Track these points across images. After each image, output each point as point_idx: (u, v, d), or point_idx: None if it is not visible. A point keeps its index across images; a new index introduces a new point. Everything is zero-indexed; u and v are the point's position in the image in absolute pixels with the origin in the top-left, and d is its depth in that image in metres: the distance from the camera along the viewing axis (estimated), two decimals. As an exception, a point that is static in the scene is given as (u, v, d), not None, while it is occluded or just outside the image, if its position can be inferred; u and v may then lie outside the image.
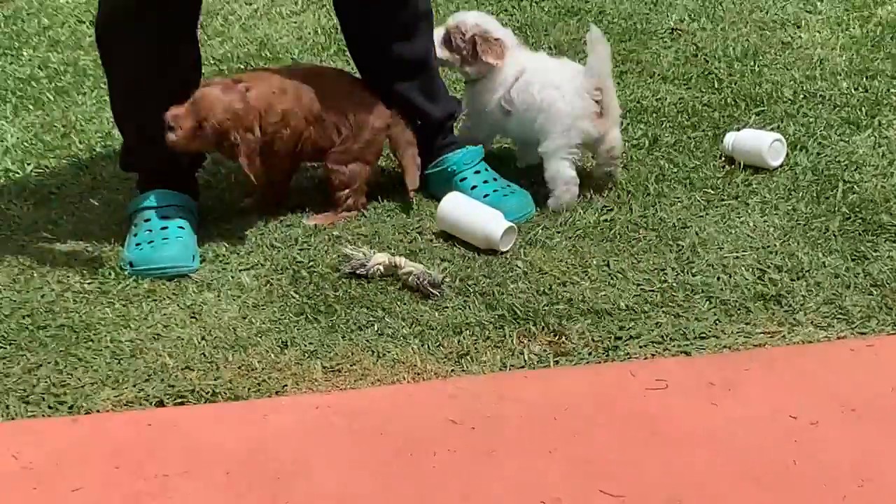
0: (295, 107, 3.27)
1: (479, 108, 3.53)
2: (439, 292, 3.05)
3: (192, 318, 3.02)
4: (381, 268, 3.12)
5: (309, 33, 4.66)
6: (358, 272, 3.14)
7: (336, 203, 3.44)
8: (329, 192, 3.41)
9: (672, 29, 4.54)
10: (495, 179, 3.44)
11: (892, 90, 3.98)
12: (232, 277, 3.17)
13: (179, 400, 2.76)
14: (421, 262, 3.17)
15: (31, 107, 4.15)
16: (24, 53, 4.60)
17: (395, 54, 3.40)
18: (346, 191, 3.42)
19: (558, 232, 3.32)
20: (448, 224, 3.29)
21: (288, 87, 3.28)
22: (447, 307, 3.01)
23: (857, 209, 3.33)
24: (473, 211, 3.27)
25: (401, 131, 3.48)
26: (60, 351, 2.90)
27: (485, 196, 3.37)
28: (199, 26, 3.38)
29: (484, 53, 3.44)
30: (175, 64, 3.24)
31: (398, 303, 3.04)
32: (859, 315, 2.93)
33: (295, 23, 4.75)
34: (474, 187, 3.41)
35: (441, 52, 3.48)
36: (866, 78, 4.06)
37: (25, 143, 3.90)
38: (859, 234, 3.23)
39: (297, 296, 3.08)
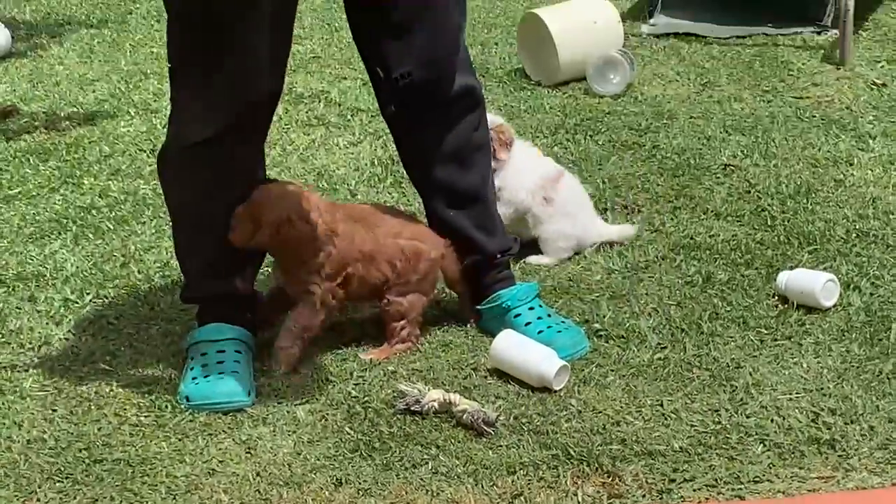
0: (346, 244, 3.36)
1: None
2: (493, 430, 3.06)
3: (247, 452, 3.05)
4: (436, 404, 3.14)
5: (366, 164, 4.73)
6: (412, 409, 3.15)
7: (390, 334, 3.45)
8: (384, 323, 3.44)
9: (725, 165, 4.56)
10: (549, 316, 3.47)
11: (944, 231, 3.97)
12: (287, 412, 3.19)
13: (237, 538, 2.76)
14: (475, 399, 3.18)
15: (90, 236, 4.22)
16: (85, 182, 4.68)
17: (445, 182, 3.45)
18: (402, 321, 3.44)
19: (612, 370, 3.33)
20: (501, 362, 3.31)
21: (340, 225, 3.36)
22: (501, 446, 3.03)
23: (911, 352, 3.31)
24: (526, 349, 3.30)
25: (452, 262, 3.49)
26: (116, 486, 2.92)
27: (539, 332, 3.40)
28: (264, 158, 3.41)
29: None
30: (241, 195, 3.29)
31: (452, 440, 3.05)
32: (914, 461, 2.91)
33: (352, 153, 4.82)
34: (528, 324, 3.43)
35: None
36: (919, 217, 4.07)
37: (85, 273, 3.96)
38: (913, 378, 3.21)
39: (351, 432, 3.10)
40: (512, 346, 3.32)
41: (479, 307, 3.53)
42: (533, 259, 3.95)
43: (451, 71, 3.36)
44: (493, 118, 3.85)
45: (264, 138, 3.39)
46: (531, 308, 3.49)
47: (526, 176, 4.00)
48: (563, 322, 3.47)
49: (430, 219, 3.61)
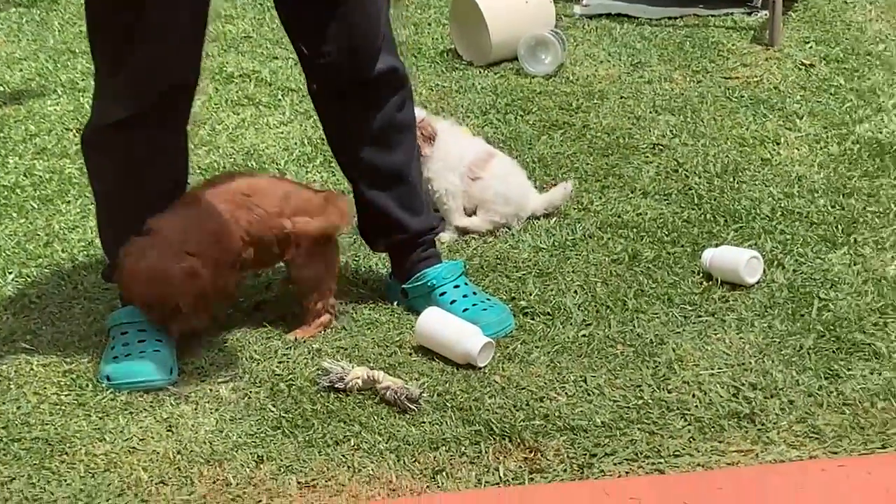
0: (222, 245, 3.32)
1: None
2: (416, 407, 3.06)
3: (168, 430, 3.03)
4: (360, 381, 3.14)
5: (295, 144, 4.71)
6: (336, 386, 3.15)
7: (307, 311, 3.43)
8: (299, 302, 3.41)
9: (654, 144, 4.58)
10: (475, 294, 3.47)
11: (868, 208, 4.01)
12: (210, 390, 3.18)
13: (153, 515, 2.74)
14: (400, 376, 3.17)
15: (14, 215, 4.19)
16: (10, 161, 4.64)
17: (369, 162, 3.45)
18: (314, 294, 3.41)
19: (537, 347, 3.33)
20: (426, 339, 3.31)
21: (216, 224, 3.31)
22: (424, 422, 3.03)
23: (832, 327, 3.35)
24: (451, 326, 3.29)
25: (341, 216, 3.50)
26: (34, 464, 2.90)
27: (464, 310, 3.40)
28: (188, 137, 3.39)
29: None
30: (160, 177, 3.26)
31: (375, 417, 3.05)
32: (832, 434, 2.94)
33: (282, 133, 4.79)
34: (453, 301, 3.43)
35: None
36: (843, 196, 4.11)
37: (7, 252, 3.93)
38: (833, 353, 3.25)
39: (274, 409, 3.09)
40: (437, 324, 3.32)
41: (404, 286, 3.52)
42: (465, 221, 3.96)
43: (374, 50, 3.36)
44: (415, 112, 3.87)
45: (185, 123, 3.37)
46: (456, 286, 3.49)
47: (455, 161, 3.98)
48: (488, 300, 3.47)
49: (356, 199, 3.58)
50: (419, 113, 3.83)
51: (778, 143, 4.59)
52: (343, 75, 3.34)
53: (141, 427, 3.06)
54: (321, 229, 3.39)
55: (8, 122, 5.03)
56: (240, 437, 3.00)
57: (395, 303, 3.57)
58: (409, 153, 3.55)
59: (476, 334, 3.26)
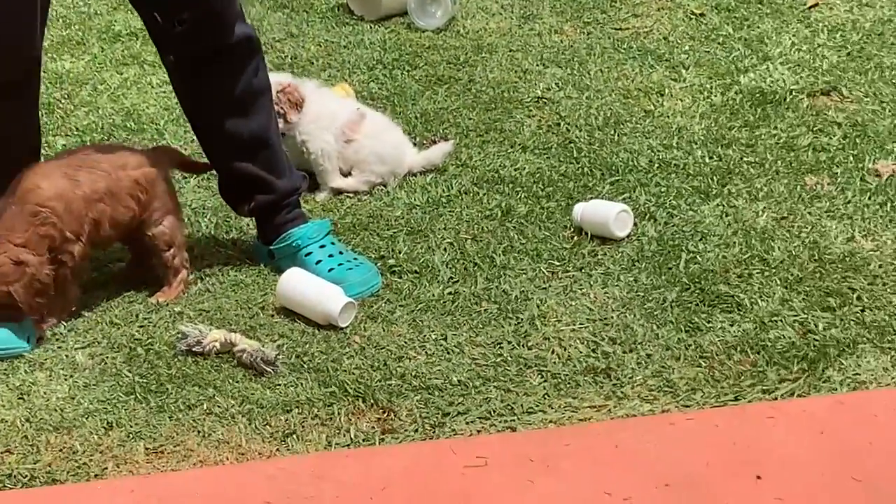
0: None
1: None
2: (273, 369, 3.04)
3: (19, 398, 3.00)
4: (218, 345, 3.11)
5: (176, 103, 4.62)
6: (194, 349, 3.12)
7: (166, 268, 3.43)
8: (157, 260, 3.45)
9: (538, 98, 4.56)
10: (341, 253, 3.45)
11: (745, 158, 4.02)
12: (66, 356, 3.15)
13: (-5, 485, 2.71)
14: (259, 338, 3.15)
15: None
16: None
17: (230, 131, 3.40)
18: (172, 249, 3.42)
19: (401, 306, 3.32)
20: (288, 300, 3.28)
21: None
22: (279, 385, 3.01)
23: (697, 279, 3.35)
24: (312, 287, 3.27)
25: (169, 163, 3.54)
26: None
27: (329, 270, 3.38)
28: (38, 112, 3.36)
29: None
30: (6, 152, 3.21)
31: (230, 381, 3.03)
32: (685, 388, 2.95)
33: (164, 93, 4.73)
34: (319, 262, 3.41)
35: None
36: (721, 146, 4.11)
37: None
38: (695, 305, 3.26)
39: (129, 375, 3.07)
40: (298, 285, 3.30)
41: (271, 248, 3.49)
42: (341, 182, 3.95)
43: (233, 15, 3.31)
44: (280, 77, 3.82)
45: (33, 99, 3.34)
46: (322, 246, 3.47)
47: (327, 121, 4.00)
48: (355, 259, 3.46)
49: (217, 167, 3.59)
50: (285, 78, 3.79)
51: (662, 95, 4.58)
52: (202, 42, 3.29)
53: (-8, 396, 3.00)
54: (168, 175, 3.42)
55: None
56: (91, 404, 2.97)
57: (263, 265, 3.51)
58: (268, 116, 3.52)
59: (337, 294, 3.24)
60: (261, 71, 3.48)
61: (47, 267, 3.14)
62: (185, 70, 3.42)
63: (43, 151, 4.03)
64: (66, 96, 4.74)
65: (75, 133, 4.42)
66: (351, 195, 3.94)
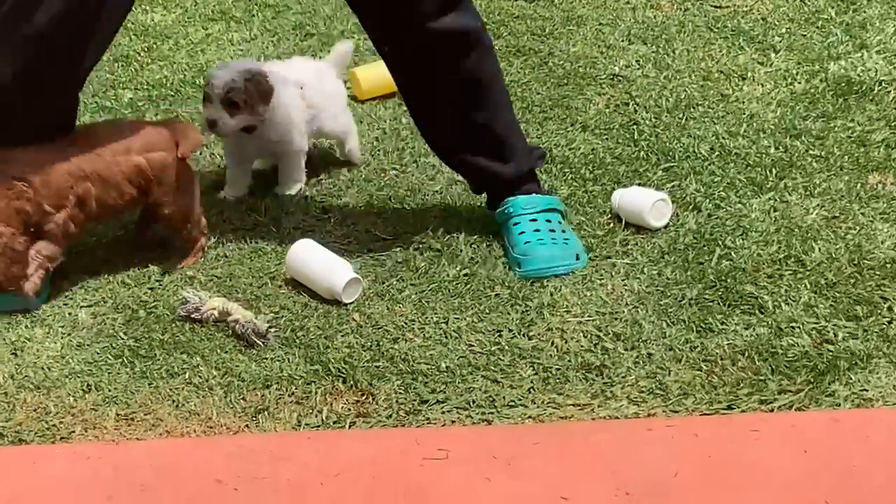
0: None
1: None
2: (263, 342, 3.00)
3: (12, 354, 3.02)
4: (216, 313, 3.09)
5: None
6: (193, 316, 3.09)
7: (184, 241, 3.38)
8: (175, 235, 3.40)
9: (613, 75, 4.42)
10: (551, 231, 3.40)
11: (811, 151, 3.84)
12: (69, 314, 3.15)
13: (-37, 441, 2.72)
14: (260, 309, 3.12)
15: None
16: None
17: (452, 124, 3.44)
18: (189, 224, 3.37)
19: (412, 284, 3.25)
20: (295, 272, 3.25)
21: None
22: (266, 358, 2.97)
23: (724, 277, 3.21)
24: (320, 260, 3.23)
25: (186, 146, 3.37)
26: None
27: (525, 243, 3.35)
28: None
29: None
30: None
31: (220, 350, 3.00)
32: (677, 392, 2.83)
33: (241, 50, 4.72)
34: (522, 233, 3.38)
35: None
36: (790, 137, 3.94)
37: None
38: (714, 305, 3.13)
39: (124, 337, 3.06)
40: (306, 257, 3.26)
41: (495, 213, 3.49)
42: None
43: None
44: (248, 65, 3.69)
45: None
46: (533, 220, 3.41)
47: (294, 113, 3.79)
48: (563, 240, 3.40)
49: (440, 157, 3.60)
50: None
51: (743, 79, 4.41)
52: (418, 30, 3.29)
53: (-14, 350, 3.02)
54: (179, 159, 3.30)
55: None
56: (78, 365, 2.97)
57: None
58: (495, 106, 3.48)
59: (343, 269, 3.19)
60: (484, 58, 3.41)
61: (21, 238, 3.08)
62: (401, 58, 3.38)
63: (108, 104, 4.08)
64: (145, 49, 4.75)
65: (144, 87, 4.43)
66: (395, 166, 3.84)
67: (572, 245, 3.35)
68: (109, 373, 2.94)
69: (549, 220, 3.42)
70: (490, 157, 3.46)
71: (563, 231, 3.40)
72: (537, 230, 3.38)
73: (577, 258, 3.34)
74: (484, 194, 3.58)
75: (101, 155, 3.21)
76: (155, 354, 2.99)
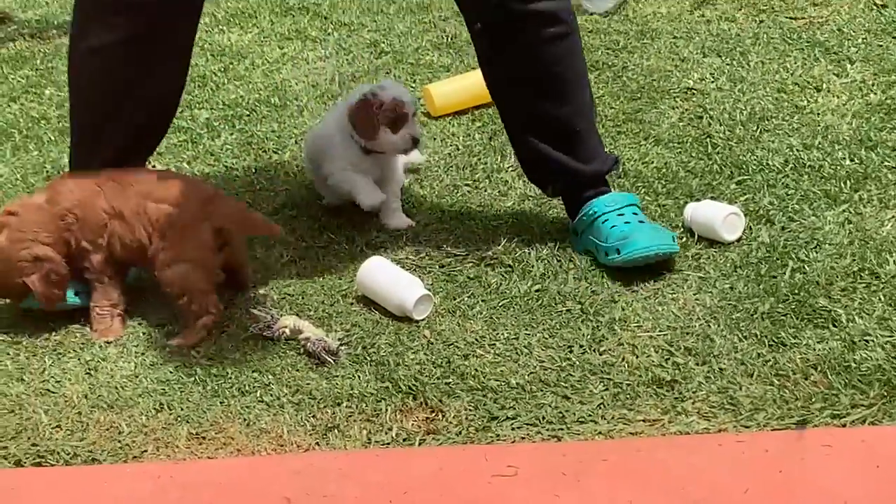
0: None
1: None
2: (334, 360, 3.02)
3: (86, 373, 3.06)
4: (287, 331, 3.11)
5: (325, 80, 4.67)
6: (265, 334, 3.12)
7: (183, 314, 3.23)
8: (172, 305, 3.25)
9: (688, 89, 4.41)
10: (641, 223, 3.40)
11: (886, 162, 3.80)
12: (143, 333, 3.18)
13: (38, 460, 2.77)
14: (332, 327, 3.14)
15: (31, 147, 4.22)
16: (47, 92, 4.69)
17: (534, 114, 3.42)
18: (185, 298, 3.19)
19: (483, 300, 3.25)
20: (366, 289, 3.26)
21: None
22: (337, 376, 2.99)
23: (798, 291, 3.18)
24: (390, 277, 3.24)
25: (234, 246, 3.30)
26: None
27: (620, 230, 3.36)
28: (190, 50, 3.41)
29: None
30: (144, 86, 3.29)
31: (291, 369, 3.02)
32: (749, 407, 2.81)
33: (316, 69, 4.76)
34: (614, 227, 3.38)
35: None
36: (865, 148, 3.89)
37: (9, 184, 3.96)
38: (787, 319, 3.10)
39: (197, 356, 3.09)
40: (377, 274, 3.28)
41: (574, 223, 3.50)
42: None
43: None
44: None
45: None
46: (621, 214, 3.42)
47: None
48: (651, 225, 3.40)
49: (518, 149, 3.58)
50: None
51: (818, 90, 4.37)
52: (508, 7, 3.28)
53: (62, 369, 3.08)
54: (189, 224, 3.20)
55: (60, 53, 5.09)
56: (151, 384, 3.01)
57: (573, 245, 3.52)
58: (580, 103, 3.48)
59: (414, 286, 3.20)
60: (572, 52, 3.41)
61: (64, 264, 3.21)
62: (488, 40, 3.38)
63: (185, 124, 4.12)
64: (222, 69, 4.80)
65: (220, 107, 4.48)
66: (470, 182, 3.85)
67: (665, 231, 3.37)
68: (182, 392, 2.97)
69: (635, 213, 3.44)
70: (570, 153, 3.48)
71: (651, 222, 3.40)
72: (627, 222, 3.39)
73: (674, 240, 3.32)
74: (556, 203, 3.54)
75: (125, 194, 3.21)
76: (227, 373, 3.01)
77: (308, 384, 2.96)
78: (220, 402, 2.92)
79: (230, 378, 3.00)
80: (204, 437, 2.82)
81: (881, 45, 4.66)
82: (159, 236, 3.17)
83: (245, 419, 2.86)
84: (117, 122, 3.25)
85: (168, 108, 3.37)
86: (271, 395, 2.93)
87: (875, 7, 5.00)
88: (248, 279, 3.37)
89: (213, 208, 3.20)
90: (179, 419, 2.88)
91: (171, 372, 3.04)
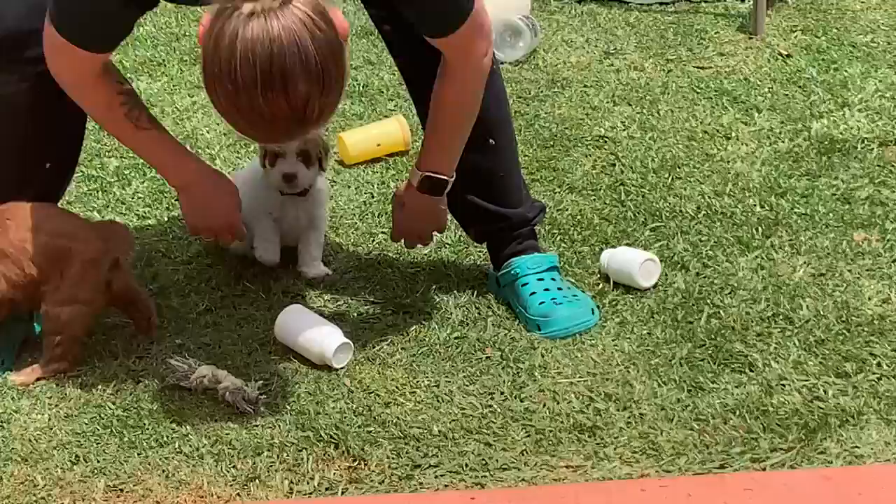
0: None
1: None
2: (253, 409, 2.99)
3: (0, 426, 2.97)
4: (205, 381, 3.07)
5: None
6: (182, 384, 3.07)
7: (45, 349, 3.15)
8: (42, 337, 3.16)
9: (599, 137, 4.44)
10: (559, 289, 3.39)
11: (796, 209, 3.85)
12: (56, 385, 3.12)
13: (-52, 517, 2.70)
14: (250, 376, 3.10)
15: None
16: None
17: (465, 163, 3.33)
18: (59, 336, 3.12)
19: (403, 348, 3.24)
20: (285, 337, 3.23)
21: None
22: (257, 425, 2.95)
23: (714, 336, 3.21)
24: (310, 325, 3.21)
25: (120, 271, 3.21)
26: None
27: (540, 303, 3.35)
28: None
29: None
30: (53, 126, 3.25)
31: (209, 419, 2.98)
32: (670, 451, 2.82)
33: (226, 119, 4.69)
34: (533, 294, 3.37)
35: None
36: (775, 195, 3.95)
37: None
38: (705, 364, 3.13)
39: (113, 407, 3.04)
40: (296, 322, 3.25)
41: (497, 275, 3.49)
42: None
43: None
44: None
45: None
46: (540, 279, 3.42)
47: None
48: (573, 296, 3.40)
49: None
50: None
51: (728, 138, 4.43)
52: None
53: (-26, 422, 3.00)
54: (89, 262, 3.15)
55: None
56: (66, 436, 2.95)
57: (492, 292, 3.51)
58: (504, 150, 3.48)
59: (333, 334, 3.18)
60: (493, 96, 3.34)
61: None
62: (412, 84, 3.39)
63: (95, 173, 4.07)
64: (132, 118, 4.72)
65: (130, 155, 4.42)
66: (384, 230, 3.84)
67: (584, 301, 3.38)
68: (98, 443, 2.93)
69: (553, 279, 3.44)
70: (492, 198, 3.49)
71: (569, 288, 3.41)
72: (547, 289, 3.39)
73: (593, 312, 3.32)
74: (474, 250, 3.55)
75: (6, 228, 3.11)
76: (144, 424, 2.97)
77: (227, 434, 2.93)
78: (138, 454, 2.88)
79: (147, 429, 2.95)
80: (122, 490, 2.78)
81: (787, 94, 4.74)
82: (48, 269, 3.08)
83: (164, 471, 2.83)
84: (26, 168, 3.20)
85: (75, 153, 3.33)
86: (190, 446, 2.89)
87: (780, 57, 5.09)
88: (150, 307, 3.32)
89: (107, 241, 3.18)
90: (96, 471, 2.84)
91: (86, 423, 2.99)
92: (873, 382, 3.04)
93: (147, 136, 3.05)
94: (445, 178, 3.19)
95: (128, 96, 3.00)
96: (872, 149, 4.26)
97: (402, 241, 3.41)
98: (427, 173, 3.18)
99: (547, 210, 3.83)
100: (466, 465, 2.83)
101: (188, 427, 2.96)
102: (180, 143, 3.15)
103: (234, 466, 2.84)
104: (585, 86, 4.94)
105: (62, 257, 3.13)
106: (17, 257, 3.12)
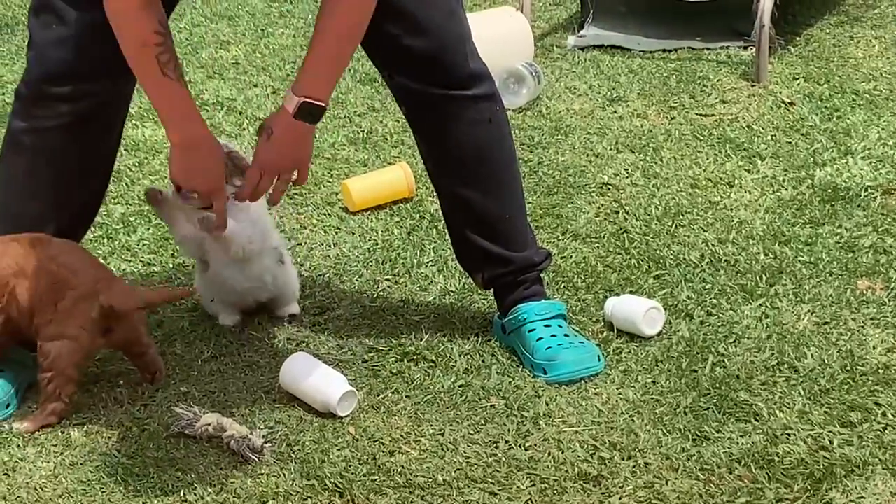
0: None
1: None
2: (258, 457, 2.99)
3: (4, 475, 3.01)
4: (210, 429, 3.08)
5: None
6: (186, 432, 3.08)
7: (42, 392, 3.15)
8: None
9: (603, 184, 4.45)
10: (566, 336, 3.40)
11: (800, 257, 3.86)
12: (62, 433, 3.12)
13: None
14: (255, 424, 3.11)
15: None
16: None
17: (463, 201, 3.42)
18: (50, 373, 3.10)
19: (407, 396, 3.25)
20: (289, 386, 3.24)
21: None
22: (262, 474, 2.95)
23: (718, 385, 3.21)
24: (314, 373, 3.22)
25: (130, 323, 3.23)
26: None
27: (547, 348, 3.35)
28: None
29: None
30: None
31: (214, 467, 2.98)
32: (675, 501, 2.84)
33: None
34: (540, 339, 3.37)
35: None
36: (779, 243, 3.96)
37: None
38: (709, 413, 3.13)
39: (118, 455, 3.04)
40: (300, 370, 3.26)
41: (503, 321, 3.49)
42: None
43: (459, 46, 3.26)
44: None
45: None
46: (547, 325, 3.41)
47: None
48: (580, 342, 3.41)
49: (450, 233, 3.56)
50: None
51: (731, 186, 4.44)
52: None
53: (-22, 470, 3.00)
54: (82, 297, 3.15)
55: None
56: (71, 484, 2.96)
57: (498, 340, 3.51)
58: (511, 191, 3.51)
59: (337, 382, 3.18)
60: (497, 138, 3.43)
61: None
62: (413, 125, 3.41)
63: (100, 219, 4.08)
64: (137, 164, 4.78)
65: (136, 202, 4.44)
66: (389, 276, 3.85)
67: (590, 347, 3.38)
68: (103, 492, 2.93)
69: (560, 326, 3.44)
70: (498, 242, 3.49)
71: (576, 335, 3.42)
72: (554, 335, 3.40)
73: (599, 359, 3.34)
74: (478, 298, 3.56)
75: (30, 250, 3.16)
76: (149, 472, 2.98)
77: (232, 483, 2.93)
78: (143, 503, 2.86)
79: (152, 478, 2.96)
80: (127, 538, 2.77)
81: (790, 142, 4.76)
82: (45, 296, 3.09)
83: (169, 519, 2.81)
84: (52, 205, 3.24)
85: (98, 198, 3.38)
86: (195, 495, 2.90)
87: (783, 104, 5.11)
88: (156, 363, 3.31)
89: (104, 286, 3.14)
90: (101, 520, 2.82)
91: (91, 472, 2.99)
92: (879, 432, 3.04)
93: (168, 85, 3.05)
94: (323, 104, 3.16)
95: (164, 38, 3.01)
96: (876, 196, 4.27)
97: (254, 185, 3.15)
98: (305, 98, 3.14)
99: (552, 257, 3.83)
100: (470, 515, 2.81)
101: (193, 475, 2.97)
102: (195, 106, 3.14)
103: (238, 515, 2.82)
104: (589, 133, 4.96)
105: (56, 284, 3.13)
106: (28, 275, 3.15)
